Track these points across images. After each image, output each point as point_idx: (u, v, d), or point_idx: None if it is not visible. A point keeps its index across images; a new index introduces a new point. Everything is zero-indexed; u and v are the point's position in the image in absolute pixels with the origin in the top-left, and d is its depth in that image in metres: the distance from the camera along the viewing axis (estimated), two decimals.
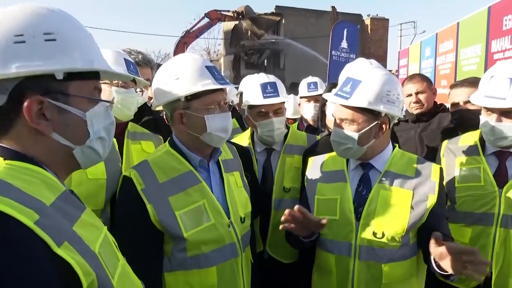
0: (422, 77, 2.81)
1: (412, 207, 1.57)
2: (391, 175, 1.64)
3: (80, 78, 0.89)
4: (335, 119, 1.66)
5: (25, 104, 0.82)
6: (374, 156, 1.67)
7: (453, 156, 2.01)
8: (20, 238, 0.69)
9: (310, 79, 3.81)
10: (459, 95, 2.46)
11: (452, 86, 2.60)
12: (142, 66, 2.25)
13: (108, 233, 0.93)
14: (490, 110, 1.77)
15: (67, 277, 0.73)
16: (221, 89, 1.53)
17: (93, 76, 0.93)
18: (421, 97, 2.69)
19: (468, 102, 2.40)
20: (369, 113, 1.57)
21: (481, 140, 1.94)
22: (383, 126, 1.61)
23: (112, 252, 0.91)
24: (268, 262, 2.18)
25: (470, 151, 1.96)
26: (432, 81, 5.98)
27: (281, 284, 2.19)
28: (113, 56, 1.85)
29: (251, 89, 2.16)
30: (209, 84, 1.47)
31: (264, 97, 2.10)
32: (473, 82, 2.45)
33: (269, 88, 2.12)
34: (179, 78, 1.48)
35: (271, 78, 2.21)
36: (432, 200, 1.58)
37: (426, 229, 1.57)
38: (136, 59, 2.20)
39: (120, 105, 1.84)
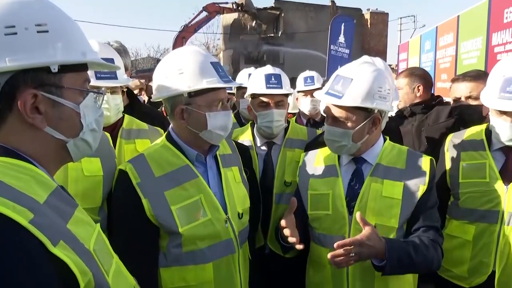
0: (404, 73, 2.75)
1: (403, 199, 1.58)
2: (382, 168, 1.65)
3: (73, 70, 0.88)
4: (327, 118, 1.66)
5: (20, 98, 0.79)
6: (366, 150, 1.67)
7: (458, 151, 1.96)
8: (16, 238, 0.67)
9: (307, 73, 3.80)
10: (461, 90, 2.41)
11: (453, 80, 2.55)
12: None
13: (100, 230, 0.91)
14: (503, 111, 1.72)
15: (64, 277, 0.71)
16: (224, 87, 1.51)
17: (84, 67, 0.92)
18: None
19: (469, 97, 2.36)
20: (362, 111, 1.57)
21: (487, 135, 1.88)
22: (376, 121, 1.62)
23: (106, 249, 0.89)
24: (269, 257, 2.17)
25: (475, 146, 1.91)
26: (432, 75, 5.98)
27: (282, 279, 2.18)
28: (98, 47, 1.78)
29: (256, 78, 2.18)
30: (214, 82, 1.45)
31: (267, 87, 2.11)
32: (475, 76, 2.41)
33: (273, 79, 2.14)
34: (183, 72, 1.45)
35: (277, 70, 2.23)
36: (422, 191, 1.59)
37: (412, 219, 1.60)
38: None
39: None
